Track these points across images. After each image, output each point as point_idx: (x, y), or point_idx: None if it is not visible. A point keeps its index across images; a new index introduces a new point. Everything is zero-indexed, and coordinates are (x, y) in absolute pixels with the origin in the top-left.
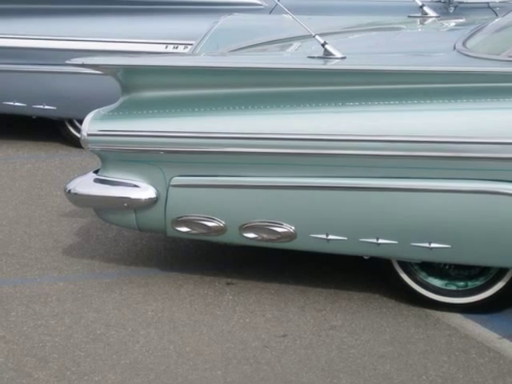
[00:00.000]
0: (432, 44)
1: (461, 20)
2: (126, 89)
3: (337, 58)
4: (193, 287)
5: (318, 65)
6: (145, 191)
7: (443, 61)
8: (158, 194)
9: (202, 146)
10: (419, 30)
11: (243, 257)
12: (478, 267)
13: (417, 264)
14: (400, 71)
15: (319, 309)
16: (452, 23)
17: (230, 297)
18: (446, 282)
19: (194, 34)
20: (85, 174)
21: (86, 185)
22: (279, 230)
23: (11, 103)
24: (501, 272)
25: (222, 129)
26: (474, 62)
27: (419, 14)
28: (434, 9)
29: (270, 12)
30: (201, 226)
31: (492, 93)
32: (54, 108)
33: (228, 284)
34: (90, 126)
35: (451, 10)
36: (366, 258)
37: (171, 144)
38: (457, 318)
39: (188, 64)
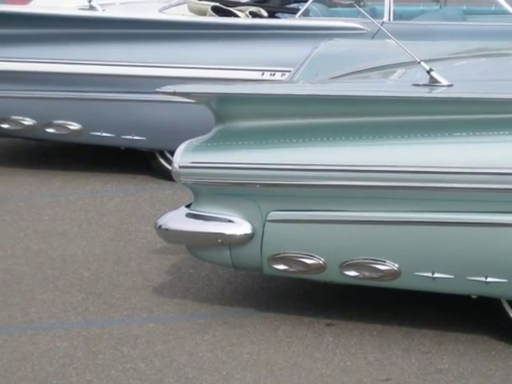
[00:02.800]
0: None
1: None
2: (219, 118)
3: (443, 86)
4: (290, 328)
5: (424, 93)
6: (240, 227)
7: None
8: (254, 229)
9: (301, 179)
10: None
11: (344, 296)
12: None
13: None
14: (511, 100)
15: (424, 351)
16: None
17: (330, 338)
18: None
19: (292, 60)
20: (176, 208)
21: (177, 220)
22: (382, 267)
23: (98, 133)
24: None
25: (321, 160)
26: None
27: None
28: None
29: (373, 37)
30: (299, 264)
31: None
32: (144, 138)
33: (328, 325)
34: (182, 157)
35: None
36: (473, 297)
37: (268, 177)
38: None
39: (285, 92)
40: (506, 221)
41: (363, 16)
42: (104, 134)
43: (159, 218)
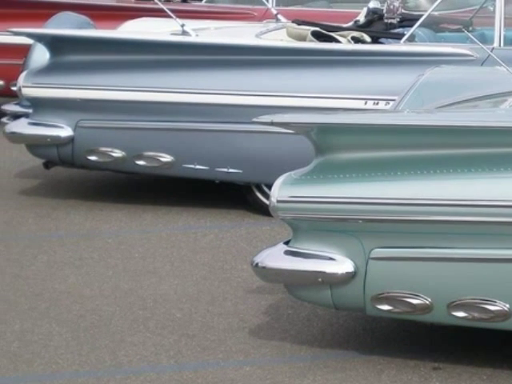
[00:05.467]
0: None
1: None
2: (320, 150)
3: None
4: (395, 372)
5: None
6: (341, 265)
7: None
8: (357, 267)
9: (406, 214)
10: None
11: (451, 338)
12: None
13: None
14: None
15: None
16: None
17: (437, 383)
18: None
19: (397, 89)
20: (274, 245)
21: (275, 257)
22: (492, 308)
23: (192, 166)
24: None
25: (428, 194)
26: None
27: None
28: None
29: (482, 64)
30: (404, 304)
31: None
32: (240, 171)
33: (434, 369)
34: (280, 191)
35: None
36: None
37: (371, 212)
38: None
39: (390, 122)
40: None
41: (472, 41)
42: (197, 167)
43: (256, 255)
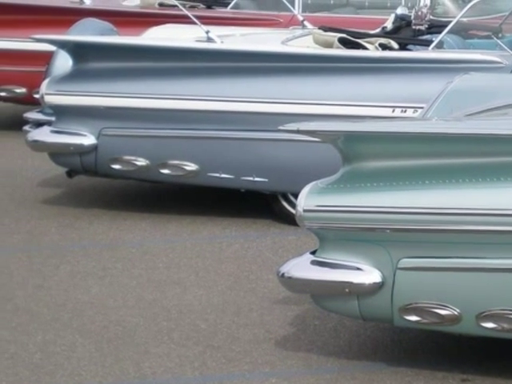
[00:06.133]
0: None
1: None
2: (347, 158)
3: None
4: None
5: None
6: (369, 275)
7: None
8: (384, 278)
9: (435, 224)
10: None
11: (480, 350)
12: None
13: None
14: None
15: None
16: None
17: None
18: None
19: (425, 96)
20: (300, 255)
21: (301, 268)
22: None
23: (217, 175)
24: None
25: (457, 203)
26: None
27: None
28: None
29: (511, 71)
30: (432, 315)
31: None
32: (266, 180)
33: (463, 380)
34: (307, 200)
35: None
36: None
37: (399, 221)
38: None
39: (418, 130)
40: None
41: (501, 48)
42: (223, 175)
43: (282, 265)
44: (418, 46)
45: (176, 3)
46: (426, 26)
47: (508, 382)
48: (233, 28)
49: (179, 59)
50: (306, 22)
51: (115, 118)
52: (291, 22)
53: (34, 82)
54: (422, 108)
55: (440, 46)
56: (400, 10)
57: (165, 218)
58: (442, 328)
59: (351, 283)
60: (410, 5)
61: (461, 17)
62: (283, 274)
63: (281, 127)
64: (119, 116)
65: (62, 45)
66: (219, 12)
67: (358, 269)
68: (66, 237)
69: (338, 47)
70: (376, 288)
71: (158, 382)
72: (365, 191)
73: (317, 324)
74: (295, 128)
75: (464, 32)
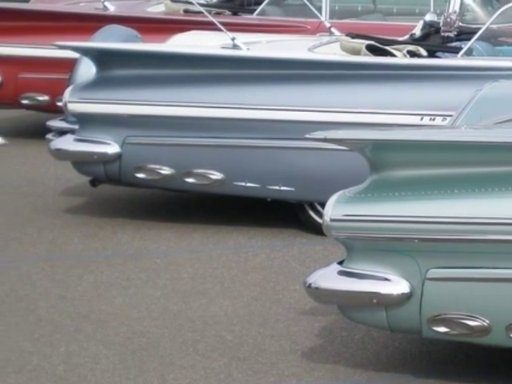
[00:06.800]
0: None
1: None
2: (375, 167)
3: None
4: None
5: None
6: (397, 285)
7: None
8: (413, 288)
9: (465, 233)
10: None
11: (510, 361)
12: None
13: None
14: None
15: None
16: None
17: None
18: None
19: (454, 104)
20: (327, 265)
21: (328, 278)
22: None
23: (242, 184)
24: None
25: (486, 213)
26: None
27: None
28: None
29: None
30: (461, 326)
31: None
32: (292, 189)
33: None
34: (334, 209)
35: None
36: None
37: (428, 231)
38: None
39: (447, 139)
40: None
41: None
42: (248, 184)
43: (309, 275)
44: (446, 53)
45: (201, 10)
46: (455, 32)
47: None
48: (259, 35)
49: (204, 66)
50: (333, 29)
51: (139, 126)
52: (318, 29)
53: (57, 90)
54: (450, 116)
55: (469, 53)
56: (429, 17)
57: (190, 228)
58: (471, 339)
59: (379, 294)
60: (438, 11)
61: (490, 23)
62: (310, 285)
63: (307, 135)
64: (143, 124)
65: (86, 52)
66: (245, 18)
67: (386, 279)
68: (89, 247)
69: (365, 54)
70: (404, 299)
71: None
72: (393, 200)
73: (344, 335)
74: (322, 136)
75: (493, 39)
